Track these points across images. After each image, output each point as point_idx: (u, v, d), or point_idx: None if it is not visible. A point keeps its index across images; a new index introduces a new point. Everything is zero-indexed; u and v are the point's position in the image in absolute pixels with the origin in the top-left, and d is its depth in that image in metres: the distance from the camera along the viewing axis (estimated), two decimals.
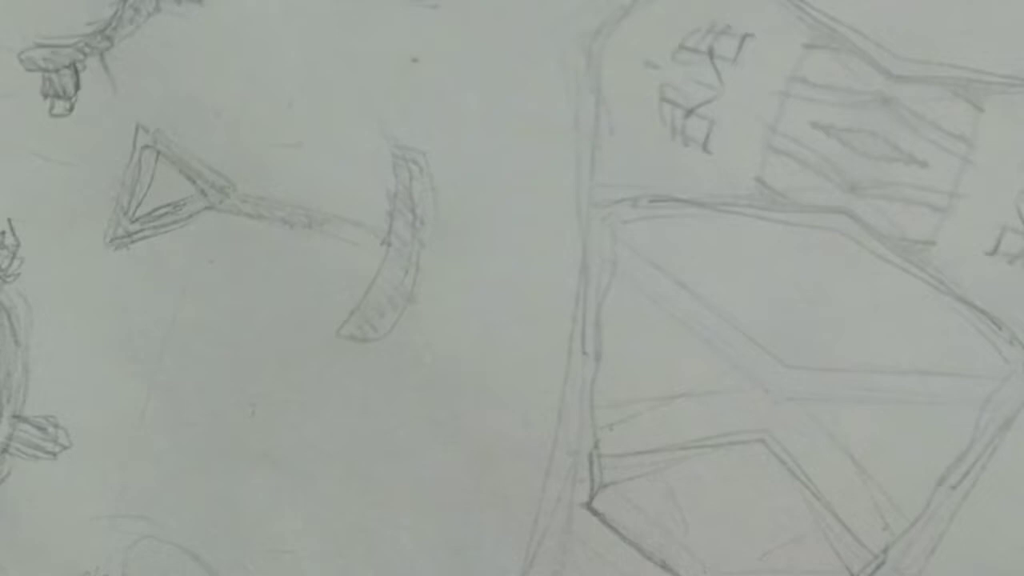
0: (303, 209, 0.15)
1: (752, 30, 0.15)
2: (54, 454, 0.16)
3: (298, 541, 0.15)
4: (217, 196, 0.15)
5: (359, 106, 0.15)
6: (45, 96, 0.16)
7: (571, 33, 0.15)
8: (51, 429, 0.16)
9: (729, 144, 0.15)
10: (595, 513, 0.15)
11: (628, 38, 0.15)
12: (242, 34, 0.16)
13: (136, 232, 0.16)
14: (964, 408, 0.15)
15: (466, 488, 0.15)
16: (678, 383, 0.16)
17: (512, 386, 0.15)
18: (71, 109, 0.16)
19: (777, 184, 0.15)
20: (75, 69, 0.16)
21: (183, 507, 0.15)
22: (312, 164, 0.15)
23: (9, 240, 0.16)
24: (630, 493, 0.16)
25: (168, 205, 0.16)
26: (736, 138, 0.15)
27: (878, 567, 0.16)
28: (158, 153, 0.16)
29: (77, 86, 0.16)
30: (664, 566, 0.16)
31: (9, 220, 0.16)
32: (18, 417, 0.16)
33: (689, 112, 0.15)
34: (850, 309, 0.15)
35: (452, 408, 0.15)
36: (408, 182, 0.15)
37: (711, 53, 0.15)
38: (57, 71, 0.16)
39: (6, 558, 0.16)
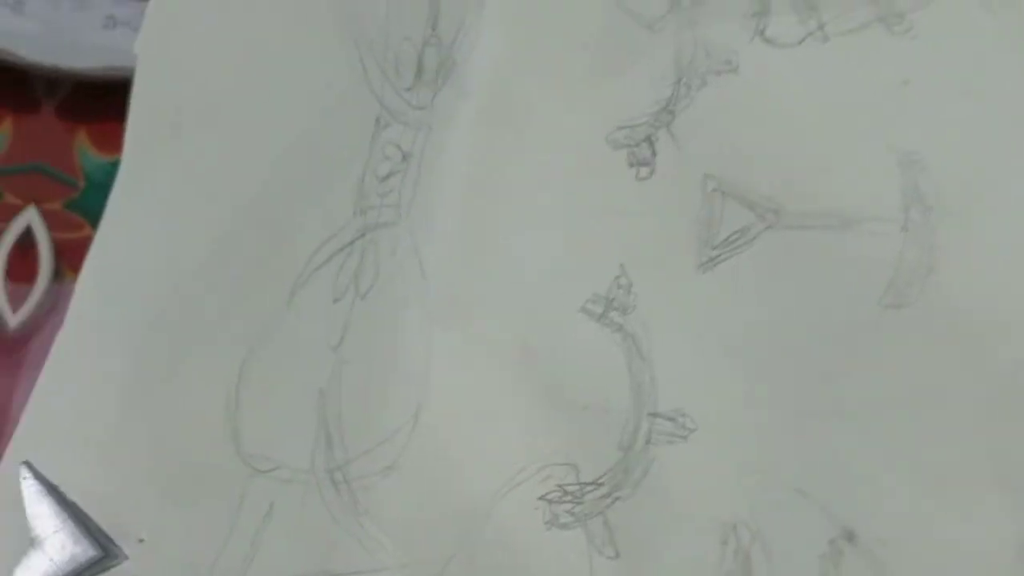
0: (836, 216, 0.20)
1: None
2: (685, 437, 0.20)
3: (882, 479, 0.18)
4: (773, 218, 0.20)
5: (866, 128, 0.20)
6: (631, 166, 0.21)
7: None
8: (679, 419, 0.20)
9: None
10: None
11: None
12: (771, 91, 0.21)
13: (717, 256, 0.20)
14: None
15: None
16: None
17: None
18: (652, 172, 0.21)
19: None
20: (650, 141, 0.21)
21: (787, 459, 0.18)
22: (839, 180, 0.20)
23: (623, 280, 0.20)
24: None
25: (737, 232, 0.20)
26: None
27: None
28: (723, 193, 0.21)
29: (654, 153, 0.21)
30: None
31: (622, 265, 0.20)
32: (653, 414, 0.20)
33: None
34: None
35: (975, 355, 0.18)
36: (915, 179, 0.20)
37: None
38: (637, 145, 0.21)
39: (667, 523, 0.19)
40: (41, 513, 0.20)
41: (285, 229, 0.21)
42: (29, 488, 0.20)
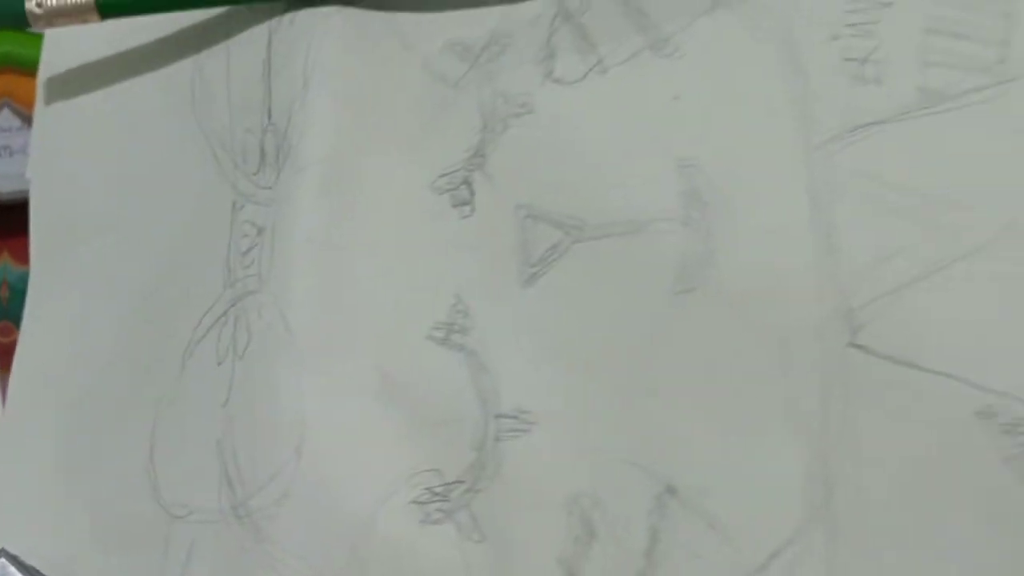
0: (629, 222, 0.22)
1: None
2: (527, 430, 0.21)
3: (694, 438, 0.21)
4: (577, 233, 0.23)
5: (646, 142, 0.23)
6: (454, 207, 0.24)
7: None
8: (521, 415, 0.21)
9: None
10: None
11: None
12: (563, 124, 0.24)
13: (535, 273, 0.23)
14: None
15: None
16: None
17: None
18: (473, 210, 0.24)
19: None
20: (468, 183, 0.24)
21: (615, 436, 0.21)
22: (628, 191, 0.22)
23: (460, 306, 0.23)
24: None
25: (549, 249, 0.23)
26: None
27: None
28: (534, 218, 0.24)
29: (472, 193, 0.24)
30: None
31: (457, 294, 0.23)
32: (498, 416, 0.23)
33: None
34: None
35: (755, 322, 0.21)
36: (690, 181, 0.23)
37: None
38: (457, 188, 0.24)
39: (521, 505, 0.22)
40: None
41: (172, 310, 0.24)
42: None
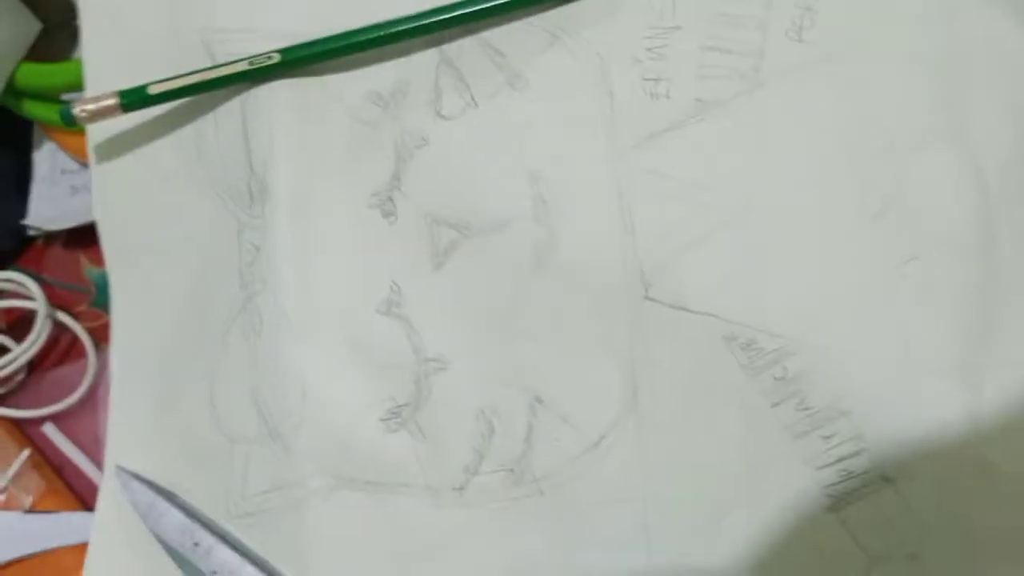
0: (500, 221, 0.33)
1: None
2: (445, 368, 0.34)
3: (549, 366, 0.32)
4: (467, 231, 0.33)
5: (508, 160, 0.33)
6: (384, 217, 0.33)
7: None
8: (441, 359, 0.34)
9: None
10: None
11: None
12: (451, 151, 0.32)
13: (441, 261, 0.34)
14: None
15: None
16: None
17: None
18: (396, 219, 0.34)
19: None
20: (391, 199, 0.34)
21: (502, 366, 0.32)
22: (498, 198, 0.32)
23: (395, 287, 0.34)
24: None
25: (449, 243, 0.33)
26: None
27: None
28: (437, 222, 0.33)
29: (394, 206, 0.34)
30: None
31: (392, 279, 0.34)
32: (426, 359, 0.34)
33: None
34: None
35: (586, 285, 0.32)
36: (539, 188, 0.33)
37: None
38: (384, 204, 0.34)
39: (449, 416, 0.33)
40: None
41: (210, 304, 0.36)
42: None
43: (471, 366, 0.32)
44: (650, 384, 0.31)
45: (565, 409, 0.31)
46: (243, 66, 0.33)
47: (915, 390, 0.28)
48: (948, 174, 0.30)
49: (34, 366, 0.41)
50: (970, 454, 0.28)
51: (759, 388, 0.29)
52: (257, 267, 0.34)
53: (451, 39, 0.34)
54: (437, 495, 0.32)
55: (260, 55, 0.33)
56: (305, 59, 0.33)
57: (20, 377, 0.40)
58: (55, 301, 0.41)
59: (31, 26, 0.38)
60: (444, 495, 0.32)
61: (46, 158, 0.41)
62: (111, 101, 0.33)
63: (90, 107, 0.33)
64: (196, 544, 0.35)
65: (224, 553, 0.34)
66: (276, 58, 0.33)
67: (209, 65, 0.34)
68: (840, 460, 0.29)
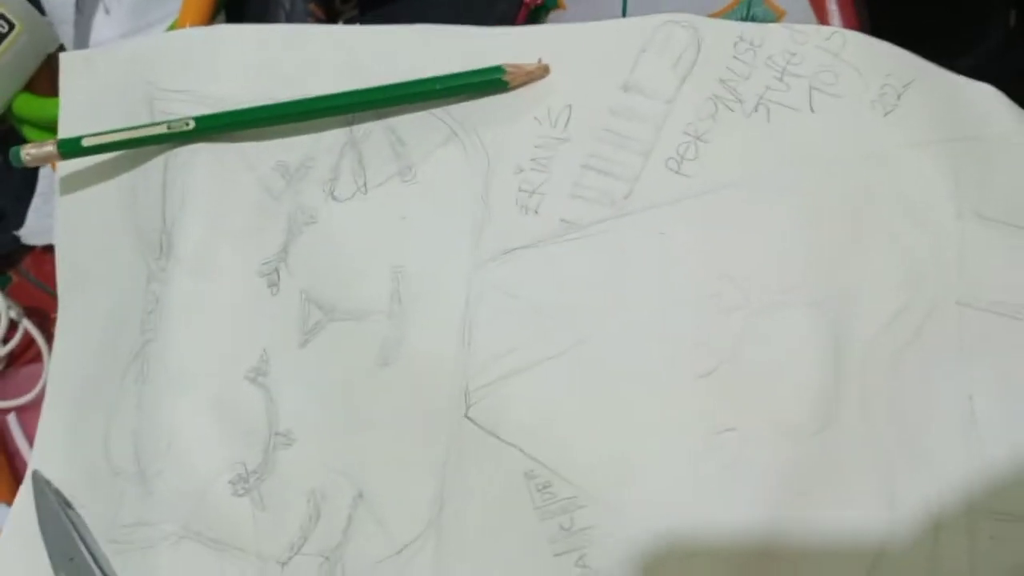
0: (358, 310, 0.34)
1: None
2: (290, 445, 0.35)
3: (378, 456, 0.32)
4: (332, 314, 0.34)
5: (376, 251, 0.33)
6: (269, 287, 0.35)
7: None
8: (288, 434, 0.35)
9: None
10: None
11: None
12: (334, 232, 0.34)
13: (306, 339, 0.34)
14: None
15: None
16: None
17: None
18: (278, 290, 0.35)
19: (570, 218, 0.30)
20: (277, 271, 0.35)
21: (340, 454, 0.33)
22: (362, 287, 0.32)
23: (264, 356, 0.35)
24: None
25: (315, 322, 0.34)
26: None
27: None
28: (309, 301, 0.34)
29: (279, 278, 0.35)
30: None
31: (264, 347, 0.35)
32: (276, 433, 0.35)
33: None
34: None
35: (419, 383, 0.33)
36: (397, 284, 0.33)
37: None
38: (270, 274, 0.35)
39: (288, 491, 0.34)
40: None
41: (120, 344, 0.38)
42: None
43: (312, 447, 0.33)
44: (455, 504, 0.30)
45: (382, 510, 0.32)
46: (162, 129, 0.35)
47: None
48: (795, 342, 0.27)
49: (11, 360, 0.45)
50: None
51: (546, 534, 0.28)
52: (154, 316, 0.36)
53: (362, 121, 0.34)
54: (264, 565, 0.33)
55: (178, 120, 0.35)
56: (219, 127, 0.35)
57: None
58: (35, 303, 0.45)
59: (50, 42, 0.42)
60: (270, 567, 0.33)
61: (48, 175, 0.45)
62: (50, 148, 0.36)
63: (32, 151, 0.36)
64: (71, 559, 0.37)
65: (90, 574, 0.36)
66: (192, 124, 0.35)
67: (137, 124, 0.36)
68: None
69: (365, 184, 0.33)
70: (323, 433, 0.33)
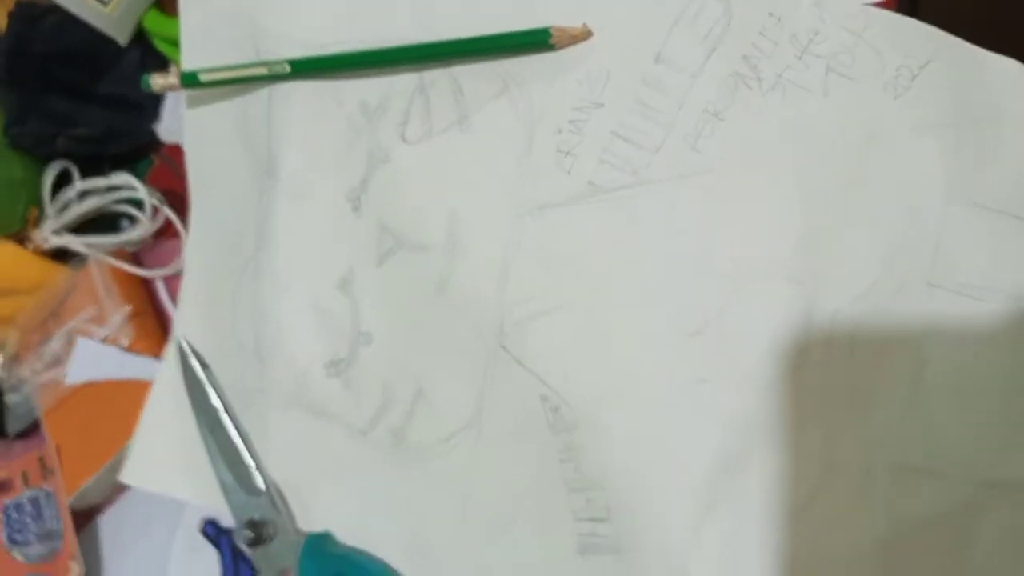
0: (423, 243, 0.40)
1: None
2: (369, 343, 0.43)
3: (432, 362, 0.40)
4: (403, 242, 0.41)
5: (437, 193, 0.39)
6: (353, 210, 0.42)
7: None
8: (368, 334, 0.43)
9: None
10: None
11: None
12: (408, 171, 0.40)
13: (382, 260, 0.42)
14: None
15: None
16: None
17: None
18: (361, 213, 0.42)
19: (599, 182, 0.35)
20: (359, 198, 0.42)
21: (409, 358, 0.41)
22: (427, 225, 0.39)
23: (351, 269, 0.43)
24: None
25: (390, 247, 0.41)
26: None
27: None
28: (384, 228, 0.41)
29: (360, 203, 0.42)
30: None
31: (350, 263, 0.43)
32: (360, 332, 0.43)
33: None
34: None
35: (471, 308, 0.39)
36: (454, 224, 0.39)
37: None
38: (355, 200, 0.42)
39: (376, 387, 0.43)
40: None
41: (239, 243, 0.46)
42: None
43: (385, 348, 0.41)
44: (490, 411, 0.37)
45: (435, 405, 0.39)
46: (263, 71, 0.41)
47: (661, 496, 0.33)
48: (770, 313, 0.32)
49: (157, 234, 0.54)
50: (675, 564, 0.32)
51: (555, 444, 0.35)
52: (263, 228, 0.44)
53: (430, 68, 0.39)
54: (351, 431, 0.42)
55: (277, 63, 0.41)
56: (309, 70, 0.40)
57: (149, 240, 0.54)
58: (173, 187, 0.54)
59: None
60: (355, 434, 0.42)
61: None
62: (174, 80, 0.42)
63: (160, 81, 0.43)
64: (207, 412, 0.47)
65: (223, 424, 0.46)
66: (287, 68, 0.40)
67: (245, 63, 0.42)
68: (592, 520, 0.34)
69: (431, 130, 0.39)
70: (394, 338, 0.40)
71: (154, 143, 0.56)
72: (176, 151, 0.55)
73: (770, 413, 0.31)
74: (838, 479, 0.31)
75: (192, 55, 0.45)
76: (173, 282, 0.54)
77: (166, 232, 0.55)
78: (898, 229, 0.31)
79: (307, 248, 0.42)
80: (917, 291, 0.31)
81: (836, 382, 0.31)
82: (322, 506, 0.43)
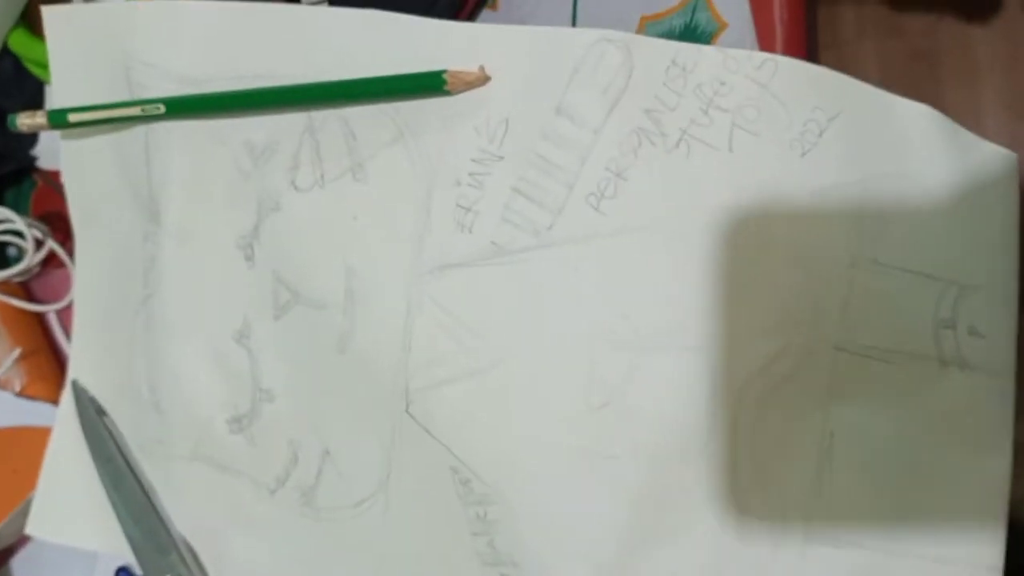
0: (319, 301, 0.38)
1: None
2: (272, 400, 0.41)
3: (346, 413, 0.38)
4: (297, 297, 0.38)
5: (332, 248, 0.36)
6: (245, 260, 0.39)
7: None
8: (268, 391, 0.41)
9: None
10: None
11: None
12: (296, 220, 0.37)
13: (279, 314, 0.39)
14: None
15: None
16: None
17: None
18: (253, 263, 0.39)
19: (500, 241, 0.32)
20: (251, 246, 0.39)
21: (311, 417, 0.39)
22: (322, 280, 0.36)
23: (246, 320, 0.40)
24: None
25: (285, 301, 0.39)
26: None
27: None
28: (278, 280, 0.38)
29: (253, 252, 0.39)
30: None
31: (244, 313, 0.40)
32: (259, 389, 0.41)
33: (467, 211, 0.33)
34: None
35: (366, 369, 0.37)
36: (351, 281, 0.37)
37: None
38: (246, 248, 0.39)
39: (278, 440, 0.41)
40: None
41: (129, 289, 0.43)
42: None
43: (288, 406, 0.39)
44: (398, 477, 0.36)
45: (343, 467, 0.37)
46: (137, 111, 0.37)
47: (567, 572, 0.32)
48: (671, 384, 0.31)
49: (44, 264, 0.51)
50: None
51: (466, 517, 0.34)
52: (152, 275, 0.41)
53: (319, 108, 0.36)
54: (258, 489, 0.40)
55: (150, 103, 0.37)
56: (185, 110, 0.37)
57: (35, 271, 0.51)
58: (59, 208, 0.50)
59: None
60: (262, 492, 0.40)
61: None
62: (42, 120, 0.39)
63: (27, 121, 0.39)
64: (109, 460, 0.45)
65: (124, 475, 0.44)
66: (162, 109, 0.37)
67: (116, 103, 0.38)
68: None
69: (323, 176, 0.36)
70: (298, 397, 0.38)
71: (35, 164, 0.52)
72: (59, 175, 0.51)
73: (681, 489, 0.30)
74: (746, 552, 0.30)
75: (63, 87, 0.41)
76: (67, 315, 0.51)
77: (56, 260, 0.52)
78: (802, 294, 0.30)
79: (199, 296, 0.40)
80: (825, 356, 0.30)
81: (744, 454, 0.30)
82: (237, 557, 0.41)
